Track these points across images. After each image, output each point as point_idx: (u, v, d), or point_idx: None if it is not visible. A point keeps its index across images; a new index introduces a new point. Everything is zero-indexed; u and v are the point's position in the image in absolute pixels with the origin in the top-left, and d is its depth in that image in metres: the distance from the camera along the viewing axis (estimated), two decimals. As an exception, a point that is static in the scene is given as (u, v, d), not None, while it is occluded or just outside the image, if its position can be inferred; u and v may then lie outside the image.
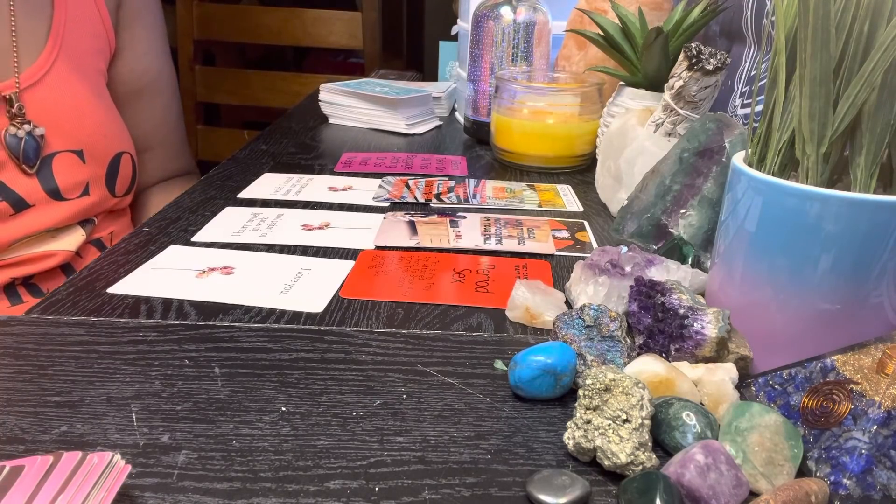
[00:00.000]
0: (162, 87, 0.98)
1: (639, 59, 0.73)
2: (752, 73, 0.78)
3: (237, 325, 0.47)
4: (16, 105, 0.75)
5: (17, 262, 0.77)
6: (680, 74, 0.62)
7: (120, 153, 0.85)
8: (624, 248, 0.51)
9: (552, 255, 0.60)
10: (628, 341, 0.42)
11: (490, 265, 0.58)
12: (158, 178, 1.02)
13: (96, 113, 0.82)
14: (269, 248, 0.59)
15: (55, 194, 0.78)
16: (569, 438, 0.35)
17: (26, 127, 0.75)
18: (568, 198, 0.75)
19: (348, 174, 0.81)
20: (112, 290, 0.51)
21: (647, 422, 0.34)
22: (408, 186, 0.76)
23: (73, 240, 0.81)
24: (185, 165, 1.06)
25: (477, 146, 0.96)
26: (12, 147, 0.74)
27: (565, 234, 0.65)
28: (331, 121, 1.07)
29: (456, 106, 1.16)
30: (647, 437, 0.34)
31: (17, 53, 0.76)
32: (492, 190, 0.76)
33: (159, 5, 0.98)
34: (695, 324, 0.40)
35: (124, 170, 0.86)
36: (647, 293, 0.43)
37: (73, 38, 0.81)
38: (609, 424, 0.34)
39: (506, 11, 0.90)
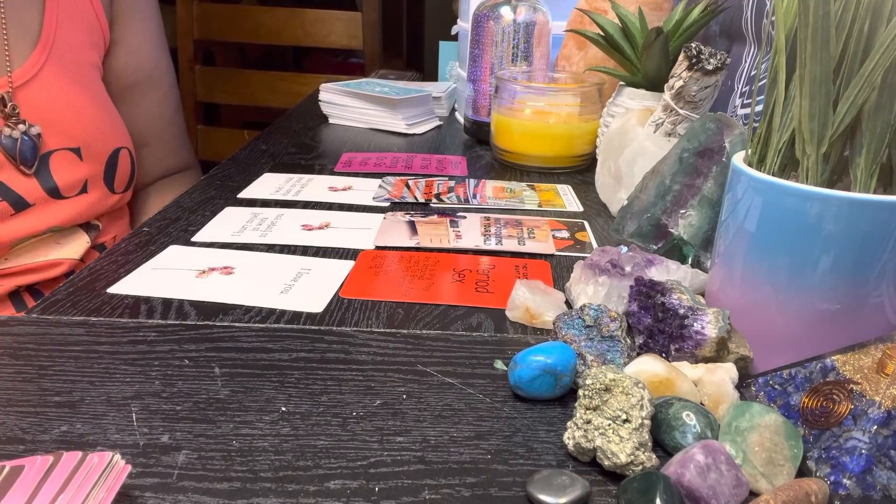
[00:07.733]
0: (157, 81, 0.97)
1: (639, 59, 0.73)
2: (752, 73, 0.78)
3: (237, 325, 0.47)
4: (9, 105, 0.73)
5: (22, 270, 0.76)
6: (680, 74, 0.62)
7: (118, 149, 0.84)
8: (624, 248, 0.51)
9: (552, 255, 0.60)
10: (628, 341, 0.42)
11: (490, 265, 0.58)
12: (157, 175, 1.01)
13: (92, 109, 0.81)
14: (269, 248, 0.59)
15: (55, 193, 0.77)
16: (569, 438, 0.35)
17: (21, 127, 0.73)
18: (568, 198, 0.75)
19: (348, 174, 0.81)
20: (112, 290, 0.51)
21: (647, 422, 0.34)
22: (408, 186, 0.76)
23: (79, 247, 0.80)
24: (184, 161, 1.05)
25: (477, 146, 0.96)
26: (8, 148, 0.73)
27: (565, 234, 0.65)
28: (331, 121, 1.07)
29: (456, 106, 1.16)
30: (647, 437, 0.34)
31: (9, 52, 0.74)
32: (492, 190, 0.76)
33: None
34: (695, 324, 0.40)
35: (122, 165, 0.85)
36: (647, 293, 0.43)
37: (66, 33, 0.80)
38: (609, 424, 0.34)
39: (506, 11, 0.90)
